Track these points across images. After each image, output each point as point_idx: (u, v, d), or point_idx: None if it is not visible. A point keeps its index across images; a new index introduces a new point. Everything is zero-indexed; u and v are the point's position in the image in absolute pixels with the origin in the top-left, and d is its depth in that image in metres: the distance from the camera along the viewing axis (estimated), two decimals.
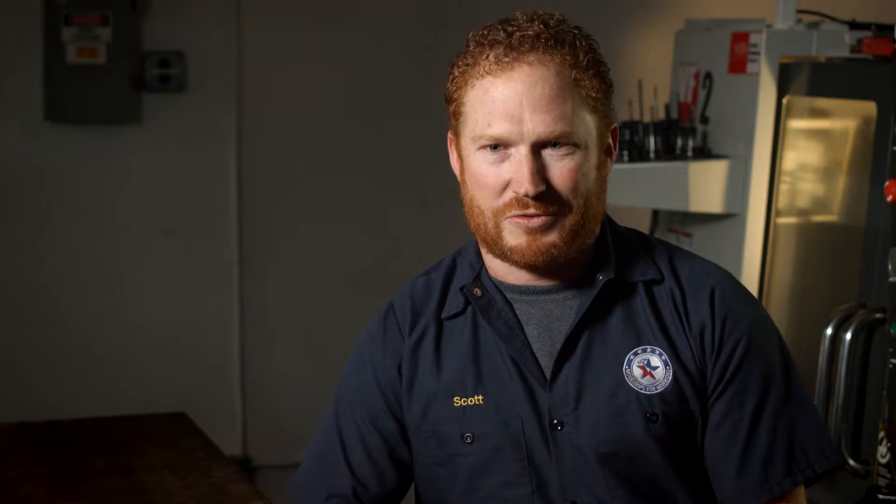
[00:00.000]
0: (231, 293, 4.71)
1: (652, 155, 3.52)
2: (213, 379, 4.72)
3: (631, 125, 3.54)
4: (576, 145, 1.80)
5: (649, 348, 1.84)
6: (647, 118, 3.61)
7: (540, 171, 1.79)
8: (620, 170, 3.40)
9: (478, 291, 1.89)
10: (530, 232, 1.81)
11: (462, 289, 1.91)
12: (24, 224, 4.52)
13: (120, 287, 4.62)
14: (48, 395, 4.48)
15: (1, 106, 4.45)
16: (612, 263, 1.87)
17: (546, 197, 1.79)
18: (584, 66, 1.81)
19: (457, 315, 1.91)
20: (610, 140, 1.88)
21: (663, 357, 1.83)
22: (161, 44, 4.53)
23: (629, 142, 3.52)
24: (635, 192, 3.49)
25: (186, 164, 4.63)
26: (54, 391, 4.51)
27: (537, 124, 1.78)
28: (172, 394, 4.45)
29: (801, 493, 1.87)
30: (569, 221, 1.81)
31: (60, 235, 4.55)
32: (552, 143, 1.79)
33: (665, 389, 1.82)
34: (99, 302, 4.60)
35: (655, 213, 3.85)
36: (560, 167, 1.79)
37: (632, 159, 3.51)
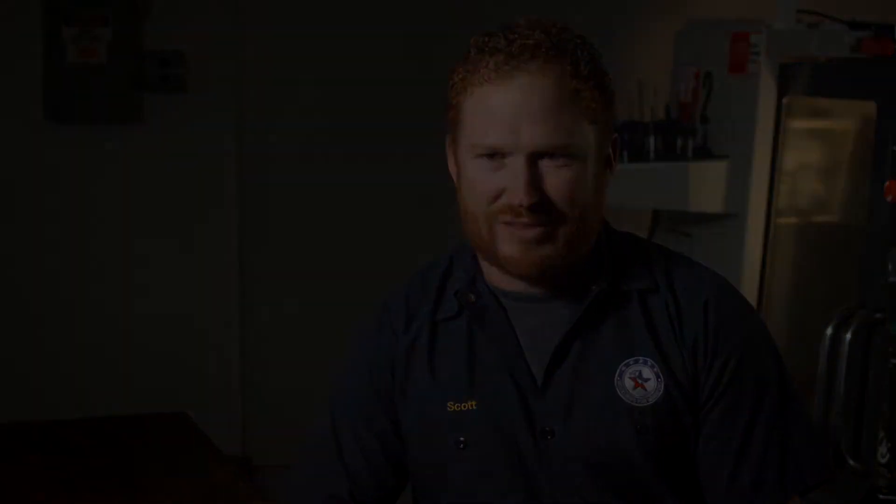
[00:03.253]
0: (231, 293, 4.71)
1: (652, 155, 3.52)
2: (213, 379, 4.72)
3: (631, 125, 3.54)
4: (574, 156, 1.77)
5: (641, 359, 1.82)
6: (647, 118, 3.61)
7: (536, 181, 1.76)
8: (620, 170, 3.39)
9: (472, 297, 1.87)
10: (524, 243, 1.78)
11: (457, 293, 1.89)
12: (24, 224, 4.52)
13: (120, 287, 4.62)
14: (48, 395, 4.48)
15: (1, 106, 4.45)
16: (607, 272, 1.85)
17: (541, 207, 1.77)
18: (585, 77, 1.77)
19: (451, 318, 1.89)
20: (610, 151, 1.85)
21: (655, 369, 1.81)
22: (161, 44, 4.53)
23: (629, 142, 3.52)
24: (635, 192, 3.48)
25: (186, 164, 4.63)
26: (54, 391, 4.50)
27: (534, 135, 1.75)
28: (172, 394, 4.45)
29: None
30: (564, 232, 1.78)
31: (61, 235, 4.54)
32: (549, 153, 1.76)
33: (656, 402, 1.80)
34: (99, 302, 4.60)
35: (655, 213, 3.85)
36: (557, 178, 1.77)
37: (632, 159, 3.50)
